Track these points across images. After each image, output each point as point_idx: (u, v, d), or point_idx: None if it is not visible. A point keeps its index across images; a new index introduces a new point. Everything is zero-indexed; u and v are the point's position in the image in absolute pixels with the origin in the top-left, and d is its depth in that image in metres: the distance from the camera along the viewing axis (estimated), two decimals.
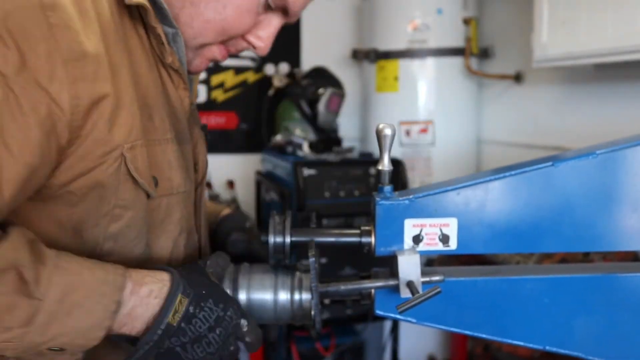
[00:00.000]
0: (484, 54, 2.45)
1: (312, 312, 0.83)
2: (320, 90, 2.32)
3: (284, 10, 0.83)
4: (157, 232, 0.80)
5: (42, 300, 0.62)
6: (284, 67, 2.70)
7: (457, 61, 2.36)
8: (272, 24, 0.84)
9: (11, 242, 0.62)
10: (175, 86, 0.82)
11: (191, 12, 0.79)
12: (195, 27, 0.80)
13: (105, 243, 0.74)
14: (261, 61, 2.68)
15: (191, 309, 0.72)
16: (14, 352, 0.64)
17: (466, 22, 2.31)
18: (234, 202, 2.57)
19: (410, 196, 0.79)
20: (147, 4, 0.73)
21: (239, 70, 2.71)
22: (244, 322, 0.77)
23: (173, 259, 0.84)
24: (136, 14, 0.77)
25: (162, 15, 0.77)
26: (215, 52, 0.86)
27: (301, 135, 2.37)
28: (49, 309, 0.63)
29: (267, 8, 0.82)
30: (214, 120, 2.69)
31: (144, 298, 0.70)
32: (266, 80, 2.69)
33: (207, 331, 0.73)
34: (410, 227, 0.79)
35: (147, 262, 0.79)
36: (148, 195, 0.76)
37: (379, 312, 0.83)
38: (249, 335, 0.78)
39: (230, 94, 2.71)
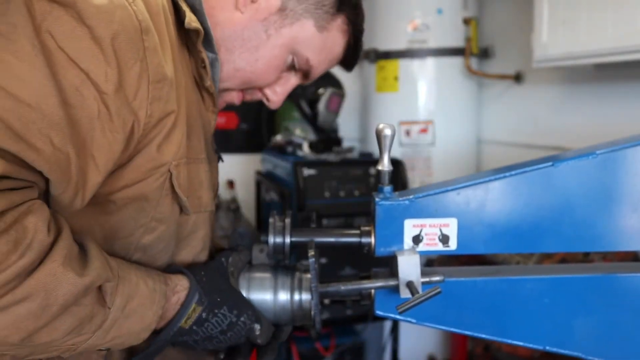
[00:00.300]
0: (484, 54, 2.45)
1: (312, 313, 0.83)
2: (320, 90, 2.32)
3: (305, 73, 0.90)
4: (180, 246, 0.83)
5: (110, 309, 0.67)
6: None
7: (457, 61, 2.35)
8: (290, 83, 0.91)
9: (97, 258, 0.65)
10: (205, 108, 0.84)
11: (224, 58, 0.83)
12: (224, 71, 0.84)
13: (135, 253, 0.76)
14: None
15: (204, 315, 0.78)
16: (70, 353, 0.66)
17: (466, 22, 2.30)
18: (234, 202, 2.57)
19: (410, 196, 0.79)
20: (202, 30, 0.77)
21: None
22: (257, 326, 0.81)
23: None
24: (186, 36, 0.79)
25: (206, 41, 0.80)
26: (234, 97, 0.90)
27: (301, 135, 2.37)
28: (114, 316, 0.67)
29: (291, 68, 0.88)
30: None
31: (173, 304, 0.77)
32: None
33: (218, 334, 0.79)
34: (410, 227, 0.79)
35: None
36: (181, 211, 0.78)
37: (379, 312, 0.83)
38: (261, 338, 0.83)
39: None
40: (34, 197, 0.61)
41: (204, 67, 0.79)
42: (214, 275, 0.81)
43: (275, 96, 0.90)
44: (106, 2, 0.63)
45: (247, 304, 0.81)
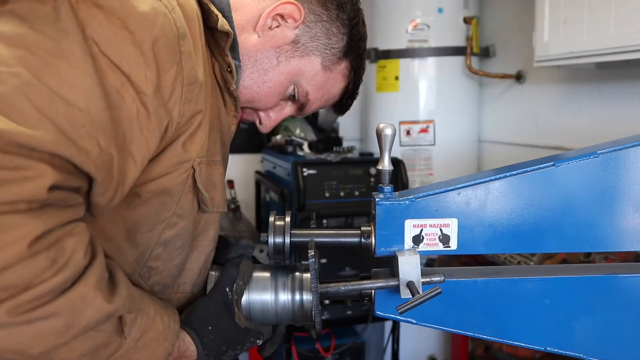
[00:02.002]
0: (485, 53, 2.44)
1: (312, 313, 0.83)
2: None
3: (301, 106, 0.95)
4: (193, 245, 0.84)
5: (126, 339, 0.68)
6: None
7: (457, 60, 2.35)
8: (284, 112, 0.96)
9: (125, 287, 0.68)
10: (227, 112, 0.87)
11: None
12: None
13: (155, 248, 0.78)
14: None
15: None
16: None
17: (467, 21, 2.30)
18: (233, 202, 2.57)
19: (411, 196, 0.78)
20: (232, 33, 0.80)
21: None
22: (259, 342, 0.84)
23: (201, 274, 0.88)
24: (210, 39, 0.82)
25: (231, 47, 0.83)
26: None
27: (301, 135, 2.36)
28: (127, 347, 0.69)
29: (290, 98, 0.94)
30: None
31: (181, 357, 0.80)
32: None
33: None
34: (411, 227, 0.79)
35: (181, 271, 0.84)
36: (198, 208, 0.81)
37: (379, 312, 0.83)
38: (262, 341, 0.86)
39: None
40: (79, 217, 0.63)
41: (230, 71, 0.82)
42: (220, 321, 0.82)
43: (268, 121, 0.95)
44: (149, 10, 0.67)
45: (250, 333, 0.84)
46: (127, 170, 0.67)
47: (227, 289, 0.84)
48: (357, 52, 0.94)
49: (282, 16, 0.86)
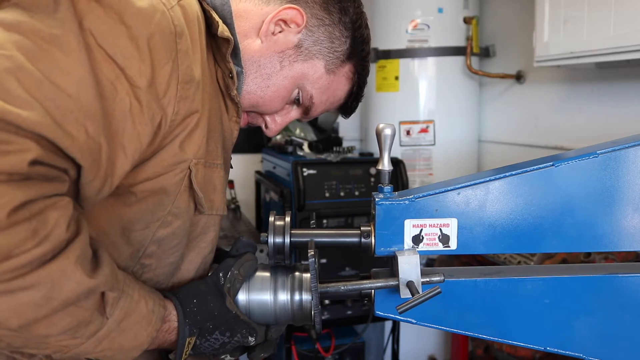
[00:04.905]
0: (485, 53, 2.44)
1: (312, 313, 0.83)
2: None
3: (306, 110, 0.96)
4: (190, 246, 0.85)
5: (108, 319, 0.68)
6: None
7: (458, 60, 2.35)
8: (290, 115, 0.97)
9: (108, 266, 0.68)
10: (229, 117, 0.88)
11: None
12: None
13: (150, 246, 0.79)
14: None
15: (197, 342, 0.81)
16: (61, 355, 0.68)
17: (467, 21, 2.30)
18: (233, 202, 2.57)
19: (410, 196, 0.78)
20: (232, 39, 0.81)
21: None
22: (251, 339, 0.83)
23: (197, 274, 0.88)
24: (213, 45, 0.83)
25: (233, 54, 0.84)
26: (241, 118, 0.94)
27: (301, 135, 2.36)
28: (109, 327, 0.69)
29: (295, 102, 0.95)
30: None
31: (164, 332, 0.79)
32: None
33: (210, 351, 0.82)
34: (410, 227, 0.79)
35: (176, 271, 0.85)
36: (195, 209, 0.81)
37: (378, 312, 0.83)
38: (255, 343, 0.85)
39: None
40: (62, 192, 0.63)
41: (231, 77, 0.83)
42: (208, 299, 0.82)
43: (274, 125, 0.96)
44: (147, 6, 0.68)
45: (241, 323, 0.82)
46: (117, 162, 0.67)
47: (221, 274, 0.84)
48: (361, 55, 0.95)
49: (284, 21, 0.87)
